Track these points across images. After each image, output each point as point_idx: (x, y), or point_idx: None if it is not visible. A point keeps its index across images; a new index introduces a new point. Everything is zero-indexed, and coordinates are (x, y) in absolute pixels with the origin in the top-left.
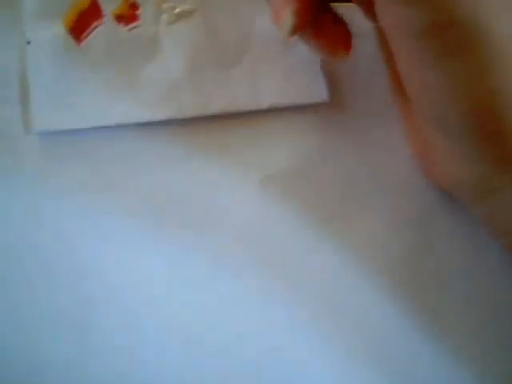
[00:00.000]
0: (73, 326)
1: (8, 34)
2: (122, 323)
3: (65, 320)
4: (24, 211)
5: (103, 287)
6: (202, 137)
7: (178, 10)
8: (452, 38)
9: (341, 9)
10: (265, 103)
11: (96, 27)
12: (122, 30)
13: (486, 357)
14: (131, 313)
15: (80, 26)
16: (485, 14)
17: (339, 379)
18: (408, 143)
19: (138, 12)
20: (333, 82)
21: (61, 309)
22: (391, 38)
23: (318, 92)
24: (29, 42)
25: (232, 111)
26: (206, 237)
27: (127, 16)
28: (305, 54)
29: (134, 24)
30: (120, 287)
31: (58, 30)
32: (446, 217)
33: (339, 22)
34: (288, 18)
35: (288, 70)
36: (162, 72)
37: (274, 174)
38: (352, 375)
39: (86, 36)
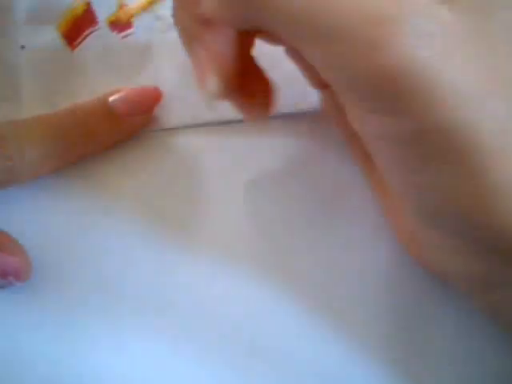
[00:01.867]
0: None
1: (2, 39)
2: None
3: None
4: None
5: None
6: (191, 141)
7: (172, 19)
8: (436, 143)
9: None
10: None
11: (90, 33)
12: (116, 37)
13: None
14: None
15: (74, 31)
16: (468, 117)
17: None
18: (394, 232)
19: (132, 20)
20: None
21: None
22: (370, 145)
23: (308, 101)
24: (23, 47)
25: (222, 121)
26: (192, 240)
27: (121, 23)
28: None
29: (127, 31)
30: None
31: (52, 35)
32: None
33: (262, 79)
34: (212, 80)
35: (279, 80)
36: (153, 80)
37: (259, 179)
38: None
39: (80, 42)
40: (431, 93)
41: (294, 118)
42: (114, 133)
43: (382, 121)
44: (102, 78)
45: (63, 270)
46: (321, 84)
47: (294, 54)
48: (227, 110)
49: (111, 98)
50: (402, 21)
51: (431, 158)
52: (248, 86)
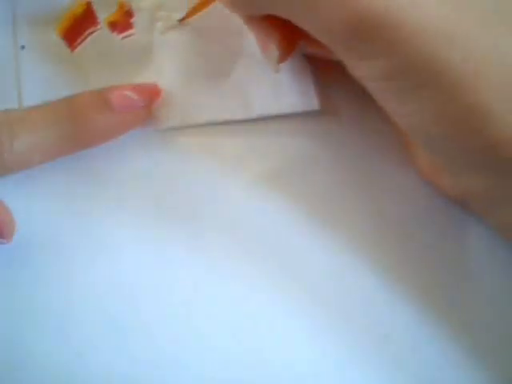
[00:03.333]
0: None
1: (2, 39)
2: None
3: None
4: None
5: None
6: (193, 140)
7: (173, 19)
8: (413, 75)
9: None
10: (255, 112)
11: (90, 34)
12: (116, 37)
13: (498, 355)
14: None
15: (74, 32)
16: (437, 48)
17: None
18: (415, 166)
19: (132, 20)
20: (324, 88)
21: None
22: (368, 88)
23: (309, 100)
24: (23, 47)
25: (222, 120)
26: (193, 240)
27: (121, 24)
28: (295, 62)
29: (128, 32)
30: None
31: (52, 35)
32: (437, 223)
33: None
34: (273, 50)
35: (278, 79)
36: (153, 81)
37: (260, 178)
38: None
39: (80, 42)
40: (398, 32)
41: (294, 117)
42: (109, 126)
43: (367, 65)
44: (102, 78)
45: (62, 268)
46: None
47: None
48: (227, 110)
49: (109, 92)
50: None
51: (412, 88)
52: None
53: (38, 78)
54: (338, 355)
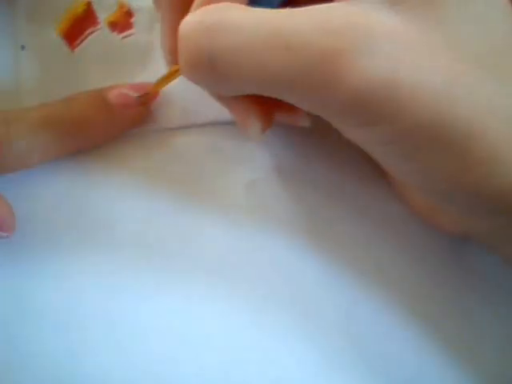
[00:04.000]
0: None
1: (2, 39)
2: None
3: None
4: None
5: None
6: (193, 140)
7: None
8: (416, 138)
9: None
10: None
11: (90, 34)
12: (116, 37)
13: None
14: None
15: (74, 32)
16: (438, 110)
17: None
18: (407, 204)
19: (132, 20)
20: None
21: None
22: (363, 148)
23: None
24: (23, 47)
25: (221, 121)
26: (191, 242)
27: (121, 23)
28: None
29: (128, 32)
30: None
31: (52, 35)
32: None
33: None
34: (255, 125)
35: None
36: (153, 81)
37: (259, 179)
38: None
39: (80, 42)
40: (400, 97)
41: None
42: (108, 125)
43: (364, 131)
44: (102, 78)
45: (62, 268)
46: None
47: None
48: (226, 110)
49: (107, 91)
50: (349, 51)
51: (414, 150)
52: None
53: (38, 78)
54: (334, 360)
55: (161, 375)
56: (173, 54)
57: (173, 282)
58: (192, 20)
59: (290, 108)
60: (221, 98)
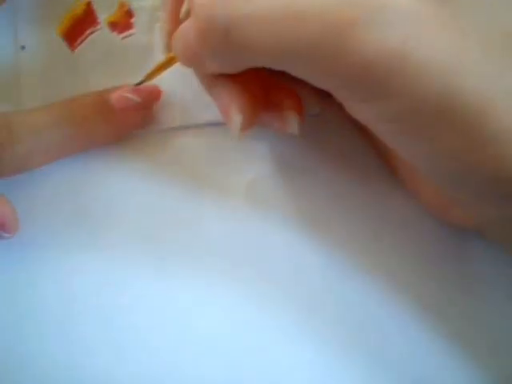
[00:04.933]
0: None
1: (2, 39)
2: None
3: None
4: None
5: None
6: (192, 141)
7: None
8: (426, 114)
9: None
10: None
11: (90, 34)
12: (116, 37)
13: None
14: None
15: (74, 32)
16: (448, 83)
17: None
18: (419, 198)
19: (132, 20)
20: None
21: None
22: (372, 129)
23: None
24: (23, 47)
25: (222, 121)
26: (191, 241)
27: (122, 24)
28: None
29: (128, 32)
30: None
31: (52, 35)
32: (437, 223)
33: (289, 93)
34: (236, 117)
35: None
36: (154, 81)
37: (260, 178)
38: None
39: (80, 42)
40: (401, 75)
41: None
42: (110, 128)
43: (373, 107)
44: (102, 78)
45: (61, 269)
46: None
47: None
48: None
49: (109, 94)
50: (362, 21)
51: (424, 127)
52: (276, 102)
53: (38, 78)
54: (336, 357)
55: (161, 374)
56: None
57: (172, 282)
58: None
59: (278, 107)
60: (208, 86)
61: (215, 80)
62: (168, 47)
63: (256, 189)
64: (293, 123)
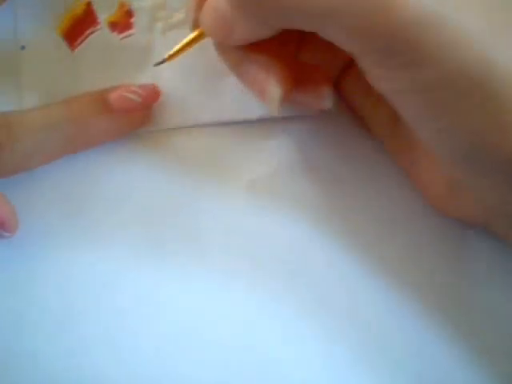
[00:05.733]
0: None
1: (2, 39)
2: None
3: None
4: None
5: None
6: (192, 141)
7: (173, 19)
8: (453, 86)
9: None
10: (255, 114)
11: (90, 34)
12: (116, 37)
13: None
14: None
15: (74, 32)
16: (481, 57)
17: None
18: (424, 194)
19: (132, 20)
20: None
21: None
22: (396, 103)
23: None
24: (23, 47)
25: (222, 121)
26: (192, 241)
27: (121, 24)
28: None
29: (128, 32)
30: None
31: (52, 35)
32: (437, 224)
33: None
34: (274, 90)
35: None
36: (154, 81)
37: (260, 178)
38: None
39: (80, 42)
40: (439, 41)
41: (294, 118)
42: (109, 128)
43: (402, 75)
44: (102, 79)
45: (61, 269)
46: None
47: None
48: (227, 111)
49: (108, 93)
50: None
51: (452, 100)
52: (304, 78)
53: (38, 78)
54: (339, 356)
55: (161, 373)
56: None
57: (172, 282)
58: None
59: (311, 80)
60: (236, 64)
61: (244, 54)
62: (195, 23)
63: (256, 189)
64: (327, 97)
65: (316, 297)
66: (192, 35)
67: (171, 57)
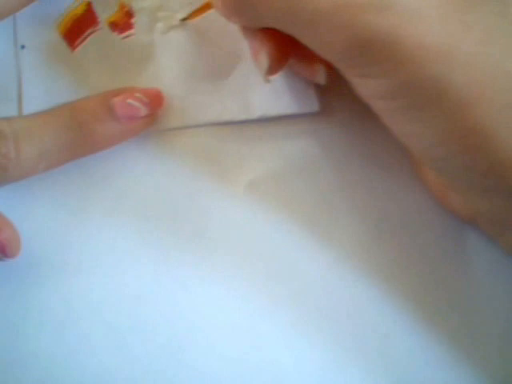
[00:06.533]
0: None
1: (2, 39)
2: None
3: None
4: None
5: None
6: (193, 141)
7: (173, 19)
8: (415, 95)
9: None
10: (255, 114)
11: (90, 34)
12: (117, 37)
13: (497, 356)
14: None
15: (75, 32)
16: (439, 67)
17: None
18: (424, 183)
19: (132, 20)
20: (324, 90)
21: None
22: (371, 106)
23: (308, 102)
24: (23, 47)
25: (222, 121)
26: (191, 242)
27: (122, 24)
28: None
29: (128, 32)
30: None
31: (52, 35)
32: (437, 224)
33: None
34: (264, 60)
35: (278, 81)
36: (154, 81)
37: (260, 179)
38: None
39: (81, 42)
40: (401, 51)
41: (294, 118)
42: (113, 134)
43: (370, 83)
44: (103, 79)
45: (60, 270)
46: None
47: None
48: (227, 111)
49: (112, 101)
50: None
51: (415, 108)
52: (305, 53)
53: (39, 78)
54: (337, 357)
55: (161, 373)
56: None
57: (172, 282)
58: None
59: (305, 57)
60: (244, 30)
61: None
62: None
63: (256, 189)
64: (321, 74)
65: (315, 298)
66: (202, 4)
67: (191, 17)
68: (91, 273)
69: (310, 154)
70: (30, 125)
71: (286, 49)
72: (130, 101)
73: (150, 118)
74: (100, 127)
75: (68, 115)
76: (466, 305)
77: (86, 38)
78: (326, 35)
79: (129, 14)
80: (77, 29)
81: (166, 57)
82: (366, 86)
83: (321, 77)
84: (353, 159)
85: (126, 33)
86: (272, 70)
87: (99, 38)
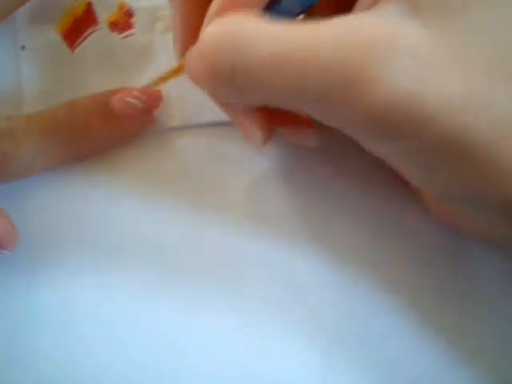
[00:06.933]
0: None
1: (2, 39)
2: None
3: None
4: None
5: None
6: (193, 141)
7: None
8: (437, 152)
9: None
10: None
11: (90, 34)
12: (116, 37)
13: (497, 356)
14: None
15: (74, 32)
16: (457, 124)
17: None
18: (431, 211)
19: (132, 20)
20: None
21: None
22: (381, 156)
23: None
24: (23, 47)
25: (222, 122)
26: (191, 239)
27: (122, 24)
28: None
29: (128, 32)
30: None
31: (52, 35)
32: (437, 225)
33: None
34: (258, 140)
35: None
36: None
37: (259, 180)
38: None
39: (81, 42)
40: (423, 112)
41: None
42: (112, 133)
43: (385, 145)
44: (102, 78)
45: (60, 270)
46: None
47: None
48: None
49: (111, 99)
50: (370, 67)
51: (438, 163)
52: (292, 117)
53: (38, 78)
54: (336, 358)
55: (161, 373)
56: (184, 46)
57: (171, 281)
58: (213, 32)
59: (295, 123)
60: (223, 106)
61: (233, 108)
62: (182, 53)
63: (255, 190)
64: (312, 138)
65: (314, 300)
66: (175, 66)
67: (155, 85)
68: (91, 273)
69: (310, 154)
70: (29, 123)
71: (274, 119)
72: (127, 99)
73: (150, 117)
74: (100, 127)
75: (67, 115)
76: (465, 305)
77: (85, 38)
78: (329, 111)
79: (128, 14)
80: (76, 29)
81: (166, 56)
82: (384, 148)
83: (312, 140)
84: (349, 161)
85: (126, 33)
86: (264, 144)
87: (99, 37)
